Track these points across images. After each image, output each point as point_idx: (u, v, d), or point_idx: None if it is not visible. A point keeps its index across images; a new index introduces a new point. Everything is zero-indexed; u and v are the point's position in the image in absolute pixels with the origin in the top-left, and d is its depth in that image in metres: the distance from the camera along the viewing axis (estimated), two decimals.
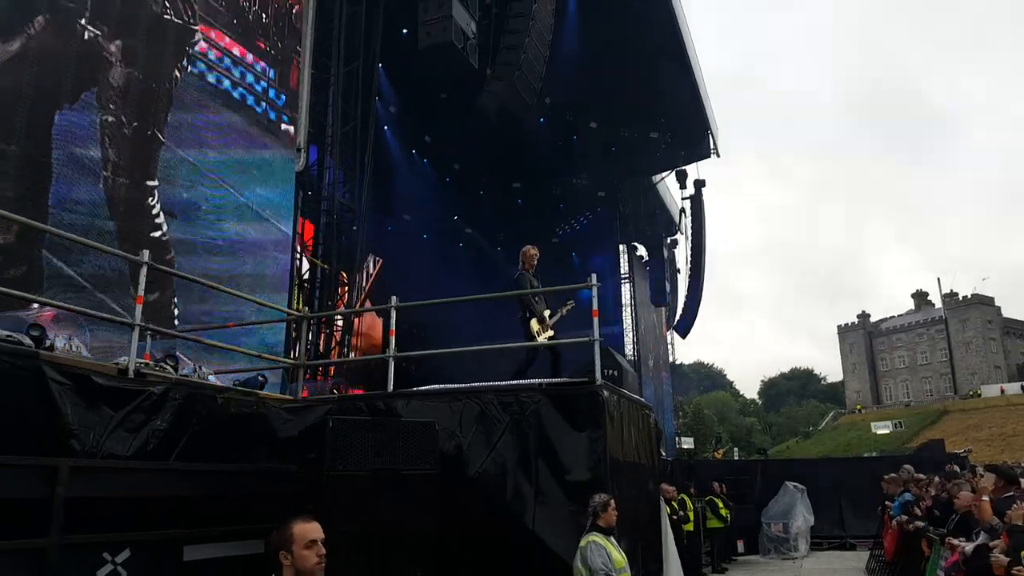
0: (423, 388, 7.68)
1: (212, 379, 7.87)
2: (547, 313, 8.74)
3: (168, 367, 7.30)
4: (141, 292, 6.42)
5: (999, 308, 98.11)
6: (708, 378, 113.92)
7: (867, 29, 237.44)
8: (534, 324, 8.58)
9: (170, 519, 5.37)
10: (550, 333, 8.66)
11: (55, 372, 5.21)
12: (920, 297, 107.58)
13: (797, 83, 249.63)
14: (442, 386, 7.56)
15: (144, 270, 6.45)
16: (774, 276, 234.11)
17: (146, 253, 6.46)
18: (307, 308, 9.22)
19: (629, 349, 30.99)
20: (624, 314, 31.89)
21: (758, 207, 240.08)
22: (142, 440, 5.76)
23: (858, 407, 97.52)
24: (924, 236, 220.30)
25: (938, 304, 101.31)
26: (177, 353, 8.41)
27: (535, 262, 8.93)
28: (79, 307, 7.04)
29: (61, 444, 5.09)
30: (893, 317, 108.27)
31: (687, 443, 42.06)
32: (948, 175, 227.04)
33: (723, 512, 16.63)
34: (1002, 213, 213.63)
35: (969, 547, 6.89)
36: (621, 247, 32.45)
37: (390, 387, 7.56)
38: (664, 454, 21.61)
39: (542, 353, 8.61)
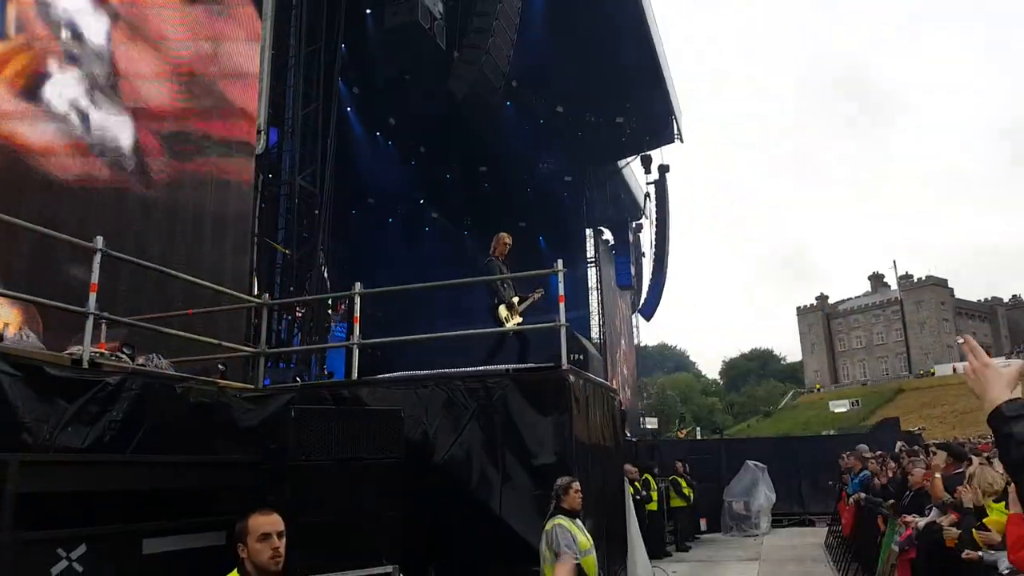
0: (388, 375, 7.62)
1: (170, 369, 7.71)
2: (515, 300, 8.72)
3: (124, 356, 7.14)
4: (95, 279, 6.24)
5: (952, 290, 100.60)
6: (671, 359, 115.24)
7: (815, 8, 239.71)
8: (502, 310, 8.56)
9: (128, 512, 5.25)
10: (519, 319, 8.65)
11: (4, 363, 5.04)
12: (876, 279, 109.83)
13: (747, 63, 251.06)
14: (408, 373, 7.50)
15: (98, 257, 6.27)
16: (735, 258, 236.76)
17: (99, 240, 6.28)
18: (267, 295, 9.07)
19: (596, 332, 31.13)
20: (591, 298, 32.00)
21: (713, 187, 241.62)
22: (98, 432, 5.61)
23: (817, 386, 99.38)
24: (876, 216, 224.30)
25: (894, 286, 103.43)
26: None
27: (507, 250, 8.90)
28: (29, 299, 6.83)
29: (12, 438, 4.95)
30: (850, 299, 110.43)
31: (651, 423, 42.48)
32: (897, 156, 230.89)
33: (686, 491, 16.84)
34: (951, 193, 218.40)
35: (922, 522, 7.07)
36: (588, 231, 32.51)
37: (354, 374, 7.49)
38: (628, 435, 21.83)
39: (511, 339, 8.59)
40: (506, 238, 8.91)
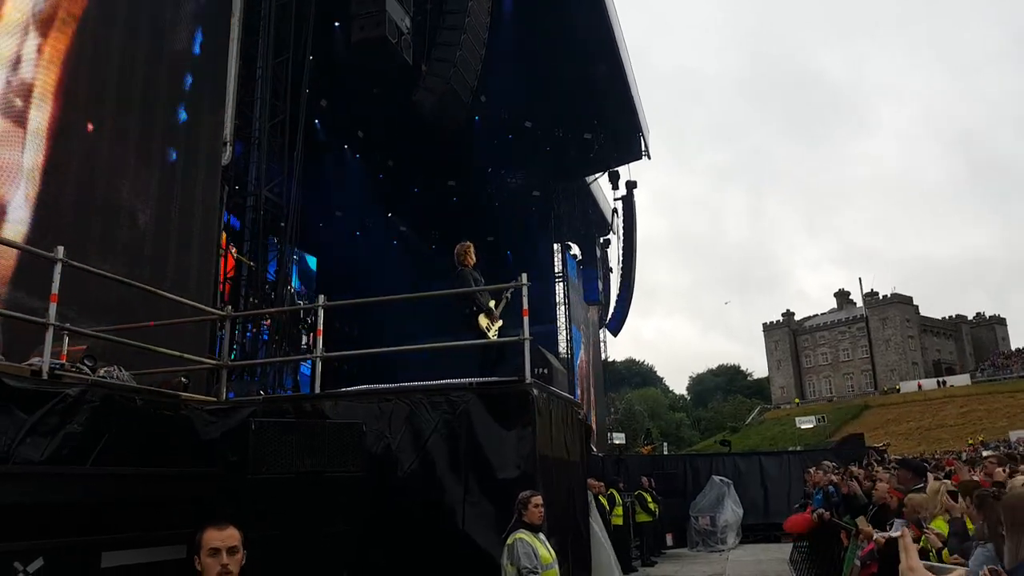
0: (351, 389, 7.62)
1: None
2: (492, 304, 8.67)
3: (85, 367, 7.06)
4: (55, 290, 6.19)
5: (917, 307, 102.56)
6: (639, 374, 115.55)
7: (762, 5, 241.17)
8: (483, 319, 8.52)
9: (87, 525, 5.19)
10: (500, 324, 8.61)
11: None
12: (842, 296, 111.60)
13: (692, 63, 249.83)
14: (370, 386, 7.51)
15: (59, 267, 6.22)
16: (695, 270, 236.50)
17: (60, 250, 6.23)
18: (231, 307, 9.03)
19: (563, 347, 31.22)
20: (558, 312, 32.14)
21: (670, 199, 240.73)
22: (57, 444, 5.56)
23: (796, 400, 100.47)
24: (835, 226, 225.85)
25: (859, 303, 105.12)
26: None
27: (474, 258, 8.90)
28: None
29: None
30: (816, 315, 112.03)
31: (618, 439, 42.61)
32: (851, 162, 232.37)
33: (652, 506, 16.95)
34: (909, 204, 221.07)
35: (883, 537, 7.19)
36: (555, 246, 32.68)
37: (317, 388, 7.47)
38: (595, 450, 21.92)
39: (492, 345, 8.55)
40: (470, 246, 8.92)
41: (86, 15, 10.54)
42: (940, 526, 5.52)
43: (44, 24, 9.83)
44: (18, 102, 9.40)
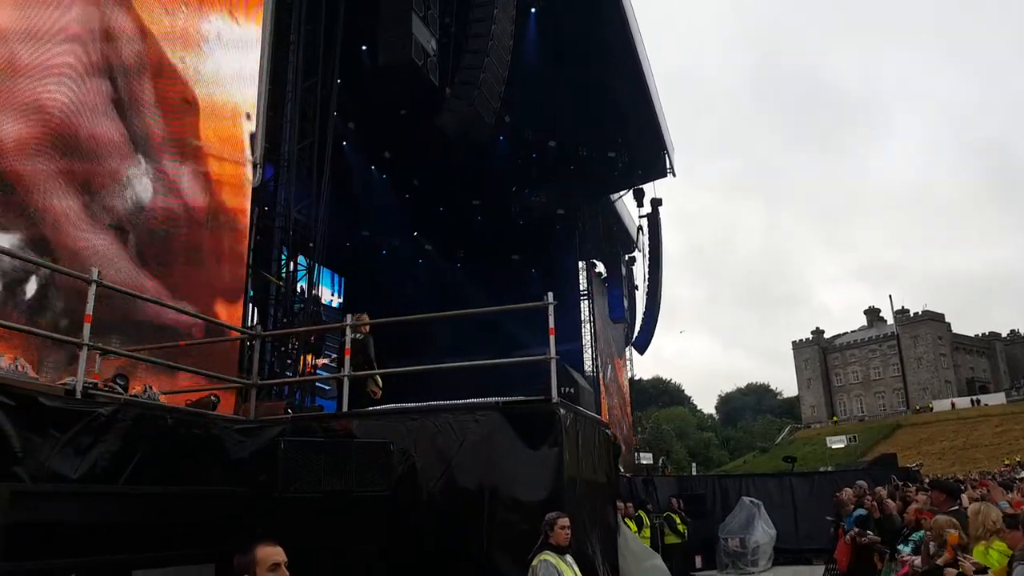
0: (378, 408, 7.66)
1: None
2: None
3: (118, 387, 7.17)
4: (89, 311, 6.30)
5: (949, 324, 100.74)
6: (666, 393, 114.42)
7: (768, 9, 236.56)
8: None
9: (118, 542, 5.26)
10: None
11: None
12: (872, 313, 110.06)
13: (699, 70, 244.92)
14: (397, 405, 7.54)
15: (93, 288, 6.34)
16: (711, 285, 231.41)
17: (95, 271, 6.36)
18: (260, 326, 9.14)
19: (588, 365, 31.08)
20: (583, 330, 32.02)
21: (683, 212, 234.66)
22: (90, 462, 5.64)
23: (834, 419, 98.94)
24: (854, 239, 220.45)
25: (890, 320, 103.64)
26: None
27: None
28: (24, 329, 6.89)
29: (4, 468, 4.97)
30: (847, 333, 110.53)
31: (646, 459, 42.19)
32: (869, 172, 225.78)
33: (680, 528, 16.75)
34: (928, 217, 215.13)
35: (918, 560, 7.06)
36: (580, 264, 32.61)
37: (345, 407, 7.52)
38: (623, 470, 21.73)
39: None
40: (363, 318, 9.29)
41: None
42: (986, 557, 5.40)
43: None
44: None
